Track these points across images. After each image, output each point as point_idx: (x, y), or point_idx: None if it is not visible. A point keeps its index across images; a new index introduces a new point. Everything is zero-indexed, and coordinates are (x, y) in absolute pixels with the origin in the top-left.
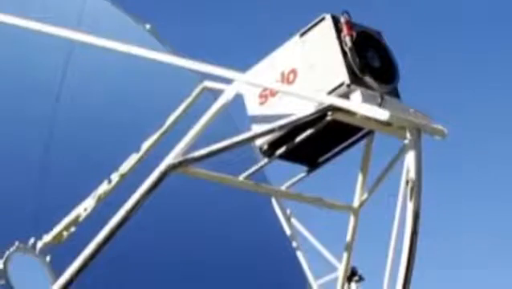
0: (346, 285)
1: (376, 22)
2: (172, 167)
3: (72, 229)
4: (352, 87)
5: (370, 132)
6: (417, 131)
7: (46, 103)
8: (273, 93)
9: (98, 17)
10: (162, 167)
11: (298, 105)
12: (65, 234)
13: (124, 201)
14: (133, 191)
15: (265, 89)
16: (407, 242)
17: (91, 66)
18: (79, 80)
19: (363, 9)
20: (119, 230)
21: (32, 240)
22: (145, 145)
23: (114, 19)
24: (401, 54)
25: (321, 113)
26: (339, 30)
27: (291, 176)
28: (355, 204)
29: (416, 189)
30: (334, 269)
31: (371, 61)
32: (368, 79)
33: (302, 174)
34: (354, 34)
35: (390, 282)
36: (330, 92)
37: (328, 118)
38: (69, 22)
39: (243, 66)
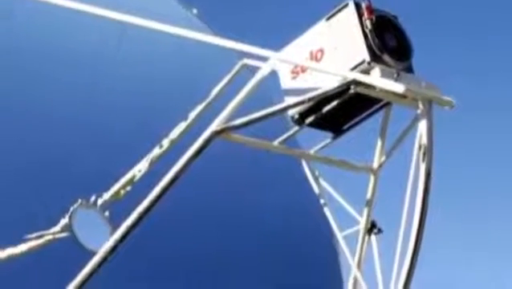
0: (366, 236)
1: (392, 7)
2: (216, 133)
3: (128, 188)
4: (372, 64)
5: (388, 103)
6: (429, 102)
7: (107, 76)
8: (303, 69)
9: (149, 2)
10: (207, 133)
11: (324, 80)
12: (122, 192)
13: (174, 163)
14: (182, 155)
15: (296, 66)
16: (420, 198)
17: (143, 45)
18: (133, 56)
19: None
20: (169, 189)
21: (93, 197)
22: (192, 114)
23: (165, 4)
24: (415, 35)
25: (345, 87)
26: (360, 15)
27: (319, 141)
28: (375, 165)
29: (428, 152)
30: (356, 222)
31: (388, 41)
32: (386, 57)
33: (329, 140)
34: (373, 17)
35: (405, 233)
36: (352, 69)
37: (351, 91)
38: (121, 7)
39: (277, 46)
